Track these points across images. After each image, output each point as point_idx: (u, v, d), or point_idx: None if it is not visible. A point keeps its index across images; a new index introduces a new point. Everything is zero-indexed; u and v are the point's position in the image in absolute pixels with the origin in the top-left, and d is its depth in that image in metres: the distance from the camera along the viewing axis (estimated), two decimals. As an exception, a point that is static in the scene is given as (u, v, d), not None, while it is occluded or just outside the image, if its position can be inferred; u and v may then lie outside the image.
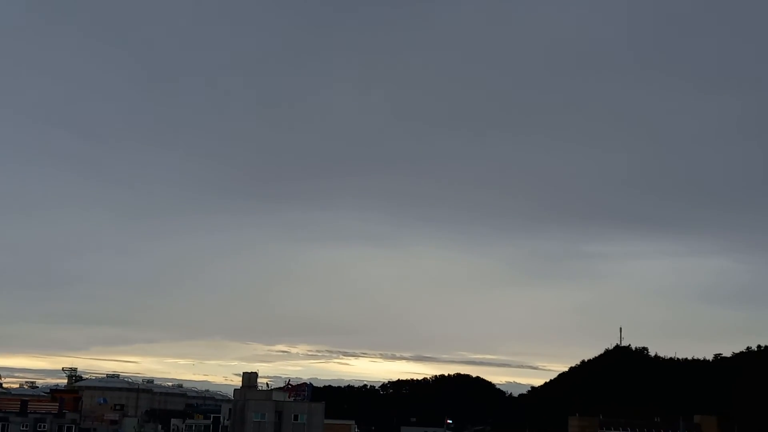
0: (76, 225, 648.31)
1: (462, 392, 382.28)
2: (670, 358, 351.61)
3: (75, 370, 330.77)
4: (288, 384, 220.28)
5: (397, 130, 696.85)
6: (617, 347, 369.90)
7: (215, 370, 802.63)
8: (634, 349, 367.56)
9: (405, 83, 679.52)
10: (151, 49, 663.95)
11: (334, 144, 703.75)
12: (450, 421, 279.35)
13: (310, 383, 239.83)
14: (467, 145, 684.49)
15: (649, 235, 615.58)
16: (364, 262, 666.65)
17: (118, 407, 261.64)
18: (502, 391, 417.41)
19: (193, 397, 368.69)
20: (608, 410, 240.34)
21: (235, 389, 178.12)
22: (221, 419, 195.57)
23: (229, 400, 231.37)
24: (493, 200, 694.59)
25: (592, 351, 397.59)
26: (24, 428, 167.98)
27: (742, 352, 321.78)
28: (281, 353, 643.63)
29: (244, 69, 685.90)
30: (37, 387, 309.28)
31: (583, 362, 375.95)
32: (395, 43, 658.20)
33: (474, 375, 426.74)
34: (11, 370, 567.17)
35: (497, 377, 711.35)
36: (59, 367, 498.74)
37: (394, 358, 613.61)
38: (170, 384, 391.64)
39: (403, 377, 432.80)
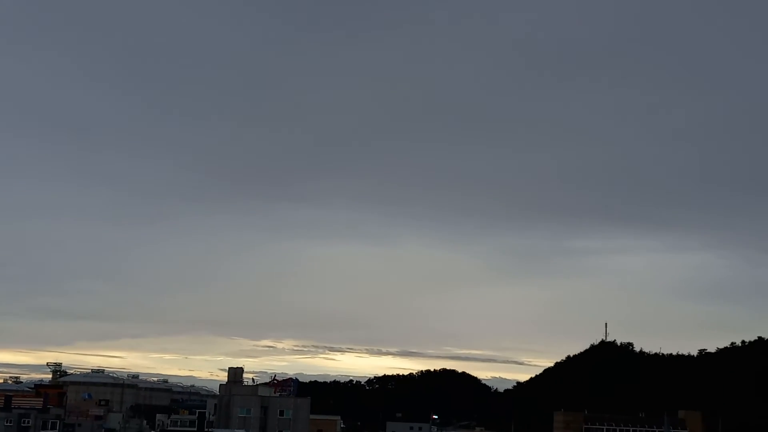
0: (62, 220, 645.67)
1: (448, 387, 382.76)
2: (655, 354, 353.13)
3: (60, 365, 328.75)
4: (274, 379, 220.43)
5: (384, 130, 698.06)
6: (602, 343, 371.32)
7: (201, 365, 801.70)
8: (619, 344, 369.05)
9: (394, 84, 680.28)
10: (144, 49, 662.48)
11: (322, 143, 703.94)
12: (435, 417, 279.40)
13: (296, 378, 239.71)
14: (454, 144, 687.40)
15: (633, 232, 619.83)
16: (351, 258, 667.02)
17: (102, 403, 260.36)
18: (487, 386, 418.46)
19: (179, 393, 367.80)
20: (593, 405, 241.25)
21: (220, 384, 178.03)
22: (207, 414, 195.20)
23: (214, 396, 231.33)
24: (478, 198, 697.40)
25: (577, 346, 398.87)
26: (8, 424, 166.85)
27: (726, 348, 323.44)
28: (267, 348, 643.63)
29: (238, 70, 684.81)
30: (22, 382, 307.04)
31: (568, 357, 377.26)
32: (385, 45, 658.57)
33: (460, 370, 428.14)
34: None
35: (483, 372, 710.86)
36: (44, 362, 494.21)
37: (380, 353, 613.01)
38: (155, 379, 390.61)
39: (389, 372, 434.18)
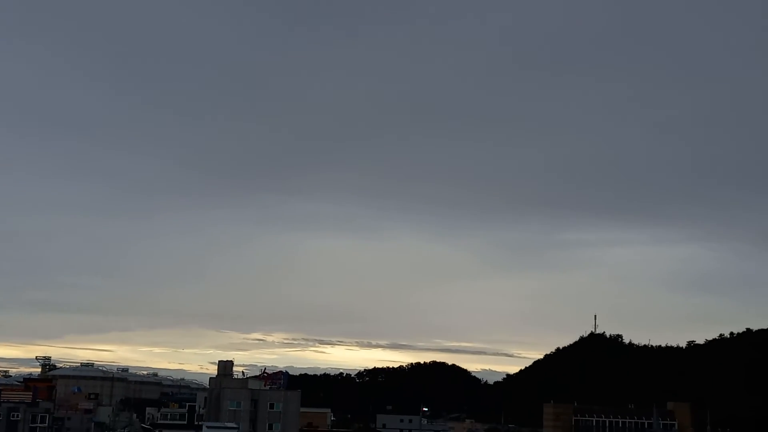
0: (53, 215, 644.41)
1: (438, 380, 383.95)
2: (644, 346, 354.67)
3: (49, 358, 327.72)
4: (264, 372, 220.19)
5: (376, 124, 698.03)
6: (592, 335, 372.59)
7: (191, 358, 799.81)
8: (608, 336, 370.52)
9: (388, 80, 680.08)
10: (140, 47, 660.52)
11: (313, 137, 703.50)
12: (426, 409, 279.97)
13: (286, 371, 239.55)
14: (447, 139, 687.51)
15: (623, 224, 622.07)
16: (341, 252, 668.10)
17: (92, 396, 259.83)
18: (477, 378, 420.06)
19: (169, 386, 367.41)
20: (583, 397, 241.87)
21: (210, 378, 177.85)
22: (197, 408, 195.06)
23: (204, 389, 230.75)
24: (468, 191, 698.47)
25: (567, 338, 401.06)
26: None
27: (715, 339, 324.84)
28: (257, 341, 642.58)
29: (233, 66, 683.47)
30: (11, 376, 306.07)
31: (558, 350, 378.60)
32: (379, 42, 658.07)
33: (450, 363, 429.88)
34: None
35: (473, 365, 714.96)
36: (33, 355, 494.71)
37: (370, 346, 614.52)
38: (145, 373, 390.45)
39: (379, 365, 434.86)
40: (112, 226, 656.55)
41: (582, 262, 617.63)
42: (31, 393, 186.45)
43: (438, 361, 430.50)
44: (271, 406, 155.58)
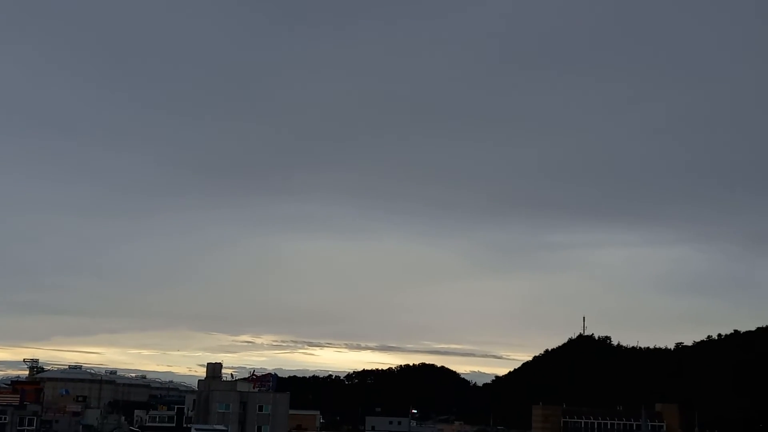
0: (39, 214, 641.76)
1: (427, 382, 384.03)
2: (633, 347, 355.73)
3: (36, 361, 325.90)
4: (252, 375, 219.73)
5: (364, 125, 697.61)
6: (580, 336, 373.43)
7: (179, 361, 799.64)
8: (597, 338, 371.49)
9: (375, 79, 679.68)
10: (125, 46, 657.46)
11: (301, 137, 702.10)
12: (415, 411, 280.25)
13: (275, 374, 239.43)
14: (434, 138, 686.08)
15: (611, 225, 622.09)
16: (330, 253, 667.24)
17: (80, 399, 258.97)
18: (466, 380, 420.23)
19: (157, 388, 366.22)
20: (571, 399, 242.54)
21: (199, 380, 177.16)
22: (185, 410, 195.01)
23: (193, 391, 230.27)
24: (456, 192, 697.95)
25: (555, 340, 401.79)
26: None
27: (702, 341, 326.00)
28: (246, 344, 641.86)
29: (218, 66, 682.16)
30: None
31: (546, 351, 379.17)
32: (367, 41, 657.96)
33: (439, 365, 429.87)
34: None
35: (462, 367, 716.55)
36: (20, 358, 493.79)
37: (359, 348, 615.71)
38: (133, 375, 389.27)
39: (368, 367, 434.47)
40: (100, 227, 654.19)
41: (570, 264, 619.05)
42: (18, 396, 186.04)
43: (427, 362, 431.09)
44: (260, 408, 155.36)
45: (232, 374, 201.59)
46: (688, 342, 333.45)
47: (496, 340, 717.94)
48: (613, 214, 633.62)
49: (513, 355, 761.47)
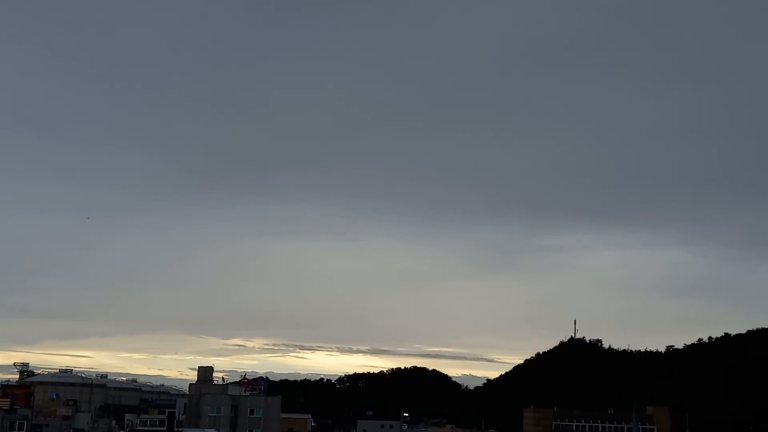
0: (30, 218, 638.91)
1: (418, 385, 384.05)
2: (624, 350, 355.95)
3: (27, 365, 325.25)
4: (244, 378, 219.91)
5: (356, 126, 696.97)
6: (572, 339, 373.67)
7: (170, 364, 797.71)
8: (588, 341, 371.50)
9: (364, 80, 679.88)
10: (111, 45, 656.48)
11: (292, 139, 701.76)
12: (406, 414, 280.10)
13: (266, 377, 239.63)
14: (425, 140, 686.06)
15: (603, 228, 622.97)
16: (321, 256, 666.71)
17: (71, 402, 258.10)
18: (458, 383, 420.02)
19: (148, 392, 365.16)
20: (563, 402, 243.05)
21: (190, 384, 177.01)
22: (176, 414, 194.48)
23: (184, 395, 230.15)
24: (448, 195, 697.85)
25: (547, 343, 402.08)
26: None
27: (693, 344, 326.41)
28: (237, 347, 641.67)
29: (205, 65, 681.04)
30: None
31: (538, 354, 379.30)
32: (354, 42, 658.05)
33: (430, 368, 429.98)
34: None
35: (453, 370, 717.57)
36: (11, 362, 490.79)
37: (350, 351, 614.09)
38: (124, 379, 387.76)
39: (360, 371, 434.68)
40: (90, 230, 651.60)
41: (562, 267, 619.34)
42: (9, 399, 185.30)
43: (418, 366, 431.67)
44: (252, 412, 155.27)
45: (223, 378, 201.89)
46: (679, 345, 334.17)
47: (488, 344, 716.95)
48: (606, 217, 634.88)
49: (504, 359, 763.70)
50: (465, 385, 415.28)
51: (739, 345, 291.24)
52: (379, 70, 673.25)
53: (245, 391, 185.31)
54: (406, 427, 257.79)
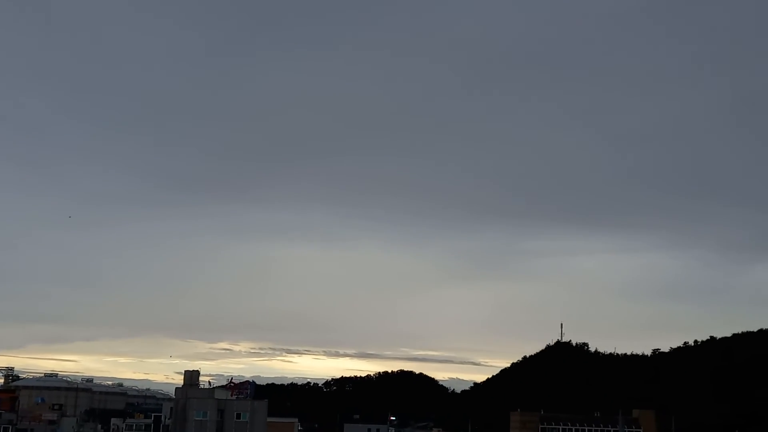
0: (13, 221, 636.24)
1: (405, 389, 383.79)
2: (610, 354, 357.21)
3: (12, 369, 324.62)
4: (230, 382, 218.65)
5: (340, 134, 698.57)
6: (558, 343, 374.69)
7: (156, 368, 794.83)
8: (574, 344, 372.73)
9: (350, 89, 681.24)
10: (94, 55, 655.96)
11: (280, 146, 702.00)
12: (393, 418, 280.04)
13: (253, 381, 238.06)
14: (409, 148, 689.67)
15: (587, 232, 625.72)
16: (308, 261, 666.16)
17: (56, 407, 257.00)
18: (444, 387, 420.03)
19: (134, 396, 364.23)
20: (549, 405, 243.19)
21: (176, 388, 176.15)
22: (162, 418, 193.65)
23: (170, 399, 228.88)
24: (433, 199, 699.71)
25: (533, 347, 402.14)
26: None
27: (679, 347, 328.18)
28: (224, 351, 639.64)
29: (192, 73, 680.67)
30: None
31: (524, 358, 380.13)
32: (342, 50, 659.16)
33: (417, 371, 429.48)
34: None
35: (440, 373, 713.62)
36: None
37: (337, 355, 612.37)
38: (110, 383, 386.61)
39: (347, 374, 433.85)
40: (75, 235, 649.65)
41: (549, 271, 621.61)
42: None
43: (405, 369, 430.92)
44: (238, 416, 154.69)
45: (209, 382, 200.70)
46: (665, 348, 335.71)
47: (475, 347, 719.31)
48: (590, 222, 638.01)
49: (491, 362, 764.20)
50: (452, 389, 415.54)
51: (724, 348, 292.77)
52: (369, 81, 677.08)
53: (232, 395, 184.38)
54: (393, 430, 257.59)
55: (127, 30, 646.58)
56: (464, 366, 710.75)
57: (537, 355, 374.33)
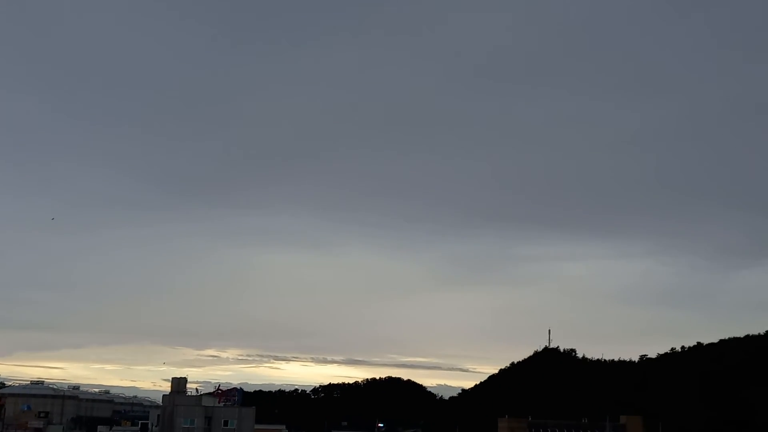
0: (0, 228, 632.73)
1: (393, 395, 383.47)
2: (598, 360, 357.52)
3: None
4: (218, 389, 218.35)
5: (329, 138, 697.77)
6: (546, 349, 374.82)
7: (143, 375, 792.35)
8: (562, 350, 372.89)
9: (338, 93, 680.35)
10: (82, 59, 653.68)
11: (268, 151, 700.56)
12: (381, 425, 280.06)
13: (241, 388, 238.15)
14: (399, 152, 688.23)
15: (576, 238, 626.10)
16: (296, 267, 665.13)
17: (42, 414, 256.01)
18: (432, 393, 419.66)
19: (121, 404, 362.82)
20: (537, 411, 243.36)
21: (163, 395, 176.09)
22: (150, 425, 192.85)
23: (157, 406, 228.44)
24: (422, 206, 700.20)
25: (521, 353, 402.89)
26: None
27: (666, 353, 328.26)
28: (211, 358, 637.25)
29: (180, 78, 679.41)
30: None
31: (512, 364, 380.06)
32: (327, 54, 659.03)
33: (405, 378, 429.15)
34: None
35: (428, 380, 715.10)
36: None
37: (325, 361, 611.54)
38: (97, 390, 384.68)
39: (335, 381, 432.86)
40: (62, 240, 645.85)
41: (535, 277, 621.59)
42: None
43: (393, 376, 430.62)
44: (226, 423, 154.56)
45: (197, 389, 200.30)
46: (653, 354, 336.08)
47: (462, 353, 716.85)
48: (578, 227, 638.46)
49: (479, 368, 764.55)
50: (440, 395, 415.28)
51: (712, 354, 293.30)
52: (356, 82, 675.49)
53: (219, 402, 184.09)
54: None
55: (112, 37, 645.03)
56: (452, 372, 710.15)
57: (525, 361, 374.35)
